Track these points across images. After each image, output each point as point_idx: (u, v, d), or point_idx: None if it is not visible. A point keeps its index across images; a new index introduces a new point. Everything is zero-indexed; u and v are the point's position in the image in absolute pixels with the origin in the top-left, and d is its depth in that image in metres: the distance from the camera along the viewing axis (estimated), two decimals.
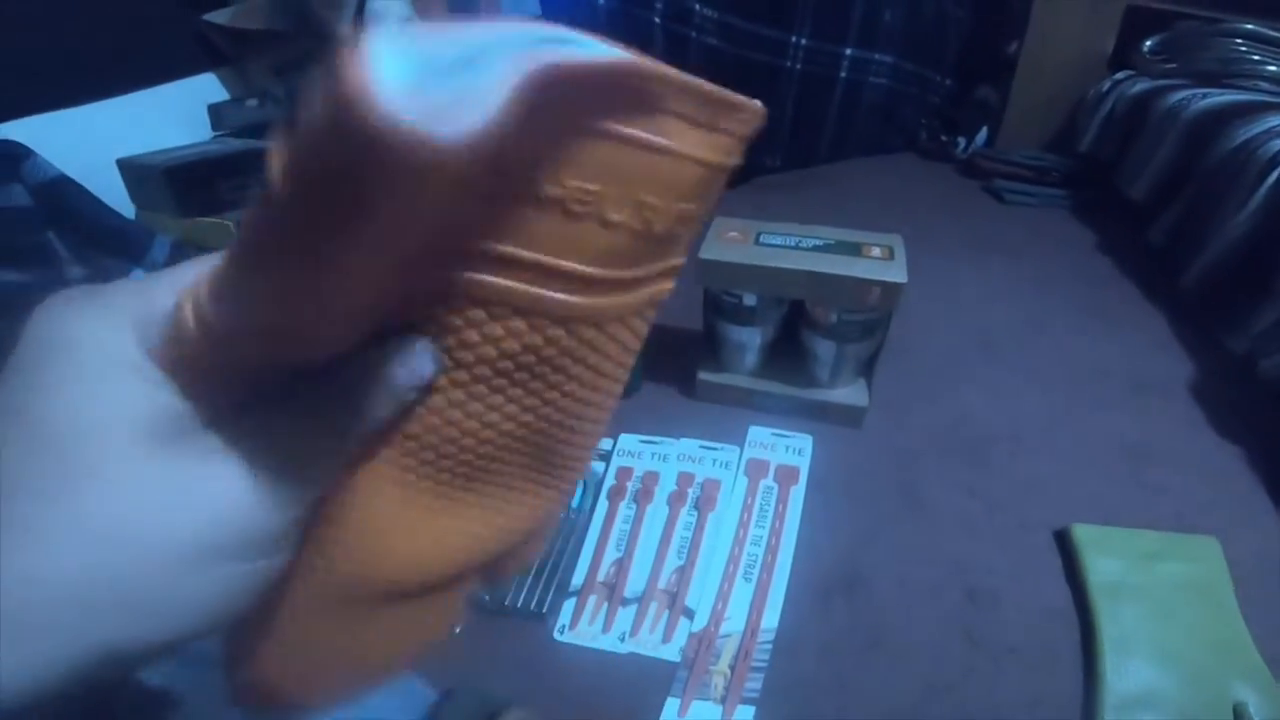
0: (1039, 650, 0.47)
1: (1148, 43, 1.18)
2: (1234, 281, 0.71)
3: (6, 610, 0.09)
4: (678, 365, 0.70)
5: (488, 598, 0.54)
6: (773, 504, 0.59)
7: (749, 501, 0.59)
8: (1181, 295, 0.81)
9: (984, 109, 1.34)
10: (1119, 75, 1.18)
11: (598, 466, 0.64)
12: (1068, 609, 0.50)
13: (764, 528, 0.57)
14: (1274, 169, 0.69)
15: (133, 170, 0.81)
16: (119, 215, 0.68)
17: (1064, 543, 0.54)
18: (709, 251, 0.60)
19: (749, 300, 0.61)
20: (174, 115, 0.95)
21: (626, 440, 0.65)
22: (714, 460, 0.63)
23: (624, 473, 0.62)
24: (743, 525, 0.58)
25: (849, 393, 0.65)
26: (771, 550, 0.55)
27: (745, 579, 0.54)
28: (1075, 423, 0.66)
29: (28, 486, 0.10)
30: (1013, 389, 0.70)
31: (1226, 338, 0.70)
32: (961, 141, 1.32)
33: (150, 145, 0.85)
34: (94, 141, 0.79)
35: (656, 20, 1.03)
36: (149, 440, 0.11)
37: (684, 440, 0.65)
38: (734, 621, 0.51)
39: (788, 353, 0.66)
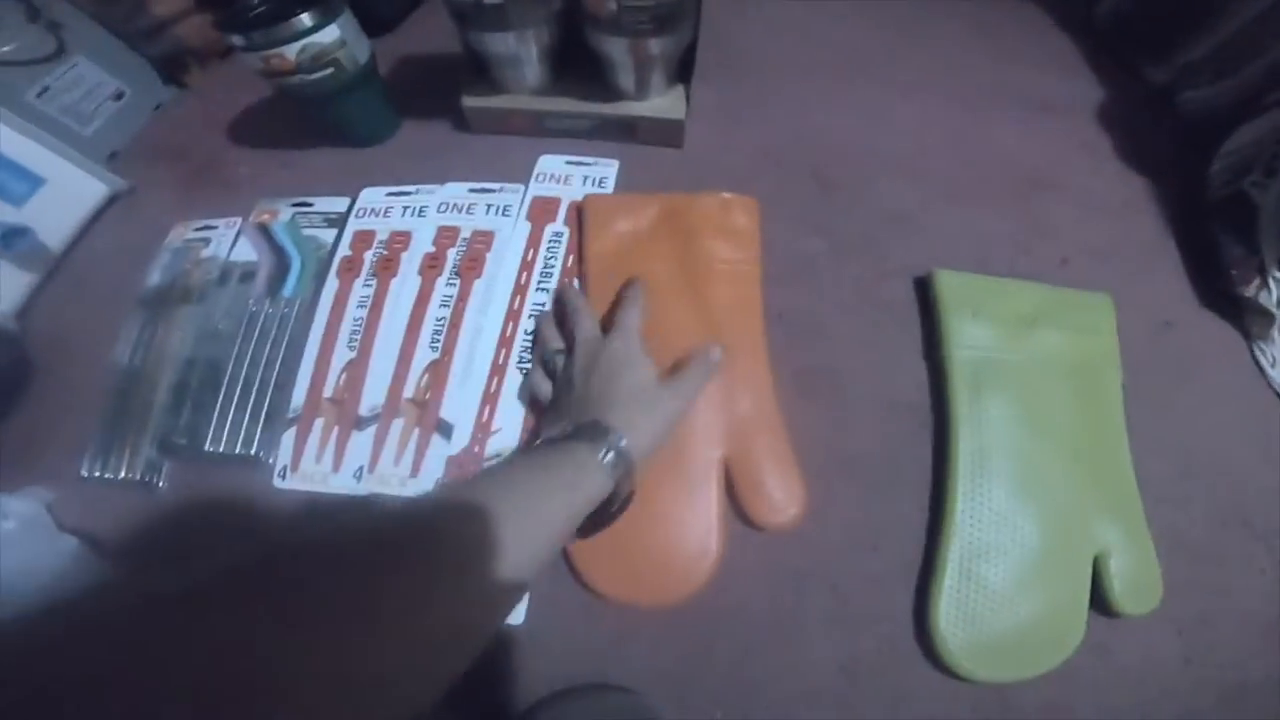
0: (887, 468, 0.38)
1: None
2: (1165, 6, 0.56)
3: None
4: (444, 95, 0.51)
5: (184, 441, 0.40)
6: (560, 256, 0.45)
7: (529, 257, 0.45)
8: (1097, 19, 0.65)
9: None
10: None
11: (323, 235, 0.47)
12: (921, 402, 0.40)
13: (546, 291, 0.44)
14: None
15: None
16: None
17: (925, 294, 0.43)
18: None
19: None
20: None
21: (369, 195, 0.49)
22: (487, 206, 0.48)
23: (362, 239, 0.47)
24: (519, 291, 0.44)
25: (661, 104, 0.49)
26: None
27: (520, 368, 0.41)
28: (956, 145, 0.52)
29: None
30: (879, 106, 0.55)
31: (1146, 67, 0.57)
32: None
33: None
34: None
35: None
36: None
37: (450, 185, 0.49)
38: (505, 435, 0.39)
39: (581, 63, 0.48)
